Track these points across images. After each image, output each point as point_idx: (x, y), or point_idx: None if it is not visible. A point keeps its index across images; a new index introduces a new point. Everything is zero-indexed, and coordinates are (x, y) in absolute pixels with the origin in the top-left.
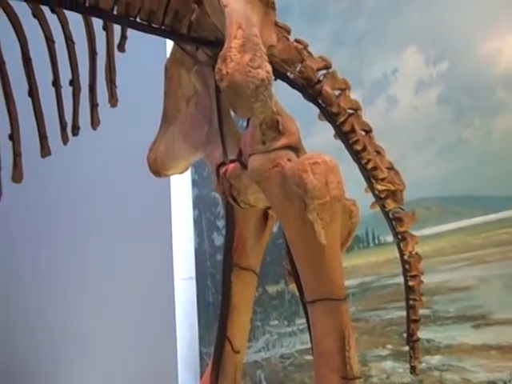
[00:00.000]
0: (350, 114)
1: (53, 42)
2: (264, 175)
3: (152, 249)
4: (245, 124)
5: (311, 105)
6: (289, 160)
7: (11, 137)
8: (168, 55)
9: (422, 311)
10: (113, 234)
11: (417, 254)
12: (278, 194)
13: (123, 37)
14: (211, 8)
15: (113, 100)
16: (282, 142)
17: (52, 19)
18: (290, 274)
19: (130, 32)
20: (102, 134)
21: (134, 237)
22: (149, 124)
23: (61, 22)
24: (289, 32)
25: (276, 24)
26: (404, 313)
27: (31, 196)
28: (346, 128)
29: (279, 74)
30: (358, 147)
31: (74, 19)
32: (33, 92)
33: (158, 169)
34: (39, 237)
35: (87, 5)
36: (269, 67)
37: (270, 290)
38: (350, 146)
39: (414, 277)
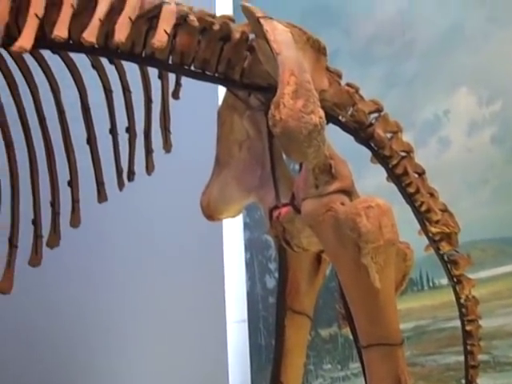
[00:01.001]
0: (403, 157)
1: (110, 91)
2: (317, 219)
3: (204, 291)
4: (296, 167)
5: (362, 147)
6: (342, 204)
7: (70, 183)
8: (220, 101)
9: (480, 357)
10: (166, 277)
11: (473, 297)
12: (331, 238)
13: (178, 84)
14: (263, 55)
15: (167, 146)
16: (335, 185)
17: (110, 70)
18: (343, 317)
19: (183, 79)
20: (156, 178)
21: (186, 279)
22: (202, 169)
23: (118, 72)
24: (340, 76)
25: (327, 69)
26: (461, 358)
27: (87, 239)
28: (399, 171)
29: (331, 117)
30: (411, 190)
31: (131, 69)
32: (91, 139)
33: (211, 213)
34: (94, 277)
35: (144, 55)
36: (321, 112)
37: (322, 334)
38: (403, 189)
39: (471, 321)
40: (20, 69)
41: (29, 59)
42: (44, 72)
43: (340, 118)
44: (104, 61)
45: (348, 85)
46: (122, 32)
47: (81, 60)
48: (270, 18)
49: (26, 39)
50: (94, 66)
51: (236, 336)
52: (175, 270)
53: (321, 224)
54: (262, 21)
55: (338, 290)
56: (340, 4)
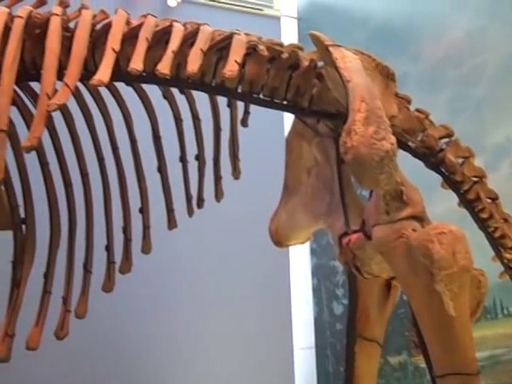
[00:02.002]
0: (475, 182)
1: (181, 120)
2: (389, 246)
3: (271, 317)
4: (363, 193)
5: (429, 173)
6: (414, 230)
7: (141, 210)
8: (286, 128)
9: None
10: (233, 303)
11: None
12: (403, 265)
13: (246, 112)
14: (332, 82)
15: (236, 173)
16: (407, 212)
17: (180, 99)
18: (416, 345)
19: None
20: (225, 205)
21: (253, 305)
22: (269, 195)
23: (188, 101)
24: (409, 102)
25: (396, 95)
26: None
27: (157, 264)
28: (471, 196)
29: (401, 143)
30: (485, 215)
31: (200, 98)
32: (161, 167)
33: (280, 239)
34: (163, 303)
35: (213, 84)
36: (393, 139)
37: (392, 361)
38: (475, 215)
39: None
40: (95, 100)
41: (102, 90)
42: (117, 103)
43: (410, 143)
44: (174, 91)
45: (417, 110)
46: (194, 63)
47: (152, 90)
48: (339, 46)
49: (103, 73)
50: (165, 97)
51: (303, 363)
52: (242, 297)
53: (392, 250)
54: (331, 49)
55: (409, 317)
56: (406, 28)
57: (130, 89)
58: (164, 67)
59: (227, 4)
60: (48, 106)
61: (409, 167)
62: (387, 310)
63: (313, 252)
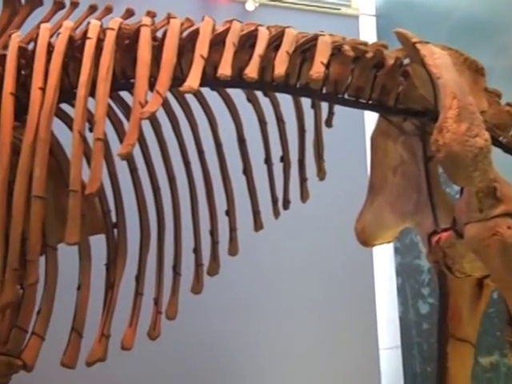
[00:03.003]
0: None
1: (265, 123)
2: (482, 244)
3: (356, 318)
4: (447, 189)
5: None
6: (509, 228)
7: (227, 213)
8: (367, 126)
9: None
10: (317, 303)
11: None
12: (497, 263)
13: (330, 113)
14: (419, 80)
15: (321, 173)
16: (501, 209)
17: (264, 102)
18: (511, 346)
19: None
20: (309, 206)
21: (338, 306)
22: (353, 195)
23: (272, 103)
24: (499, 96)
25: (485, 89)
26: None
27: (243, 266)
28: None
29: (492, 139)
30: None
31: (284, 100)
32: (247, 170)
33: (366, 239)
34: (249, 305)
35: (298, 86)
36: (487, 135)
37: (483, 362)
38: None
39: None
40: (180, 106)
41: (187, 95)
42: (202, 107)
43: (501, 139)
44: (258, 94)
45: (508, 104)
46: (281, 66)
47: (236, 94)
48: (426, 42)
49: (193, 79)
50: (249, 100)
51: (389, 363)
52: (327, 297)
53: (486, 249)
54: (418, 46)
55: (500, 317)
56: (492, 19)
57: (214, 93)
58: (252, 71)
59: (304, 5)
60: (141, 113)
61: (500, 163)
62: (479, 310)
63: (397, 251)
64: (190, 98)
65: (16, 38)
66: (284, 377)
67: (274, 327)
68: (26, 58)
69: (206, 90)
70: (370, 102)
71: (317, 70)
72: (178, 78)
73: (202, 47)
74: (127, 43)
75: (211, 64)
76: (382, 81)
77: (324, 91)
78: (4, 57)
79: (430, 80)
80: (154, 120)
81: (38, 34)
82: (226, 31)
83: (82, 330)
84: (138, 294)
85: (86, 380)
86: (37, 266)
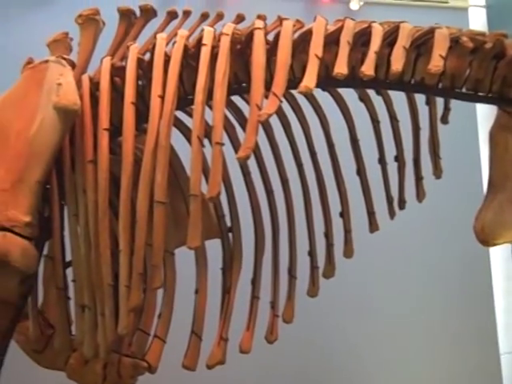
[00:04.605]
0: None
1: (378, 122)
2: None
3: (475, 323)
4: None
5: None
6: None
7: (341, 214)
8: (479, 121)
9: None
10: (433, 307)
11: None
12: None
13: (446, 109)
14: None
15: (437, 171)
16: None
17: (377, 100)
18: None
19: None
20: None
21: (455, 311)
22: (472, 193)
23: (385, 102)
24: None
25: None
26: None
27: (359, 268)
28: None
29: None
30: None
31: (397, 98)
32: (360, 170)
33: (487, 238)
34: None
35: (412, 82)
36: None
37: None
38: None
39: None
40: (292, 107)
41: (298, 97)
42: (313, 108)
43: None
44: (370, 92)
45: None
46: (398, 62)
47: (347, 93)
48: None
49: (309, 79)
50: (361, 99)
51: (510, 367)
52: (444, 302)
53: None
54: None
55: None
56: None
57: (325, 93)
58: (368, 68)
59: (410, 0)
60: (259, 116)
61: None
62: None
63: None
64: (300, 99)
65: (134, 50)
66: (402, 380)
67: (391, 330)
68: (142, 68)
69: (316, 91)
70: (490, 94)
71: (436, 63)
72: (290, 80)
73: (316, 47)
74: (239, 48)
75: (323, 64)
76: (502, 72)
77: (440, 86)
78: (122, 68)
79: None
80: (265, 123)
81: (154, 45)
82: (340, 30)
83: (202, 333)
84: (255, 297)
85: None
86: (161, 270)
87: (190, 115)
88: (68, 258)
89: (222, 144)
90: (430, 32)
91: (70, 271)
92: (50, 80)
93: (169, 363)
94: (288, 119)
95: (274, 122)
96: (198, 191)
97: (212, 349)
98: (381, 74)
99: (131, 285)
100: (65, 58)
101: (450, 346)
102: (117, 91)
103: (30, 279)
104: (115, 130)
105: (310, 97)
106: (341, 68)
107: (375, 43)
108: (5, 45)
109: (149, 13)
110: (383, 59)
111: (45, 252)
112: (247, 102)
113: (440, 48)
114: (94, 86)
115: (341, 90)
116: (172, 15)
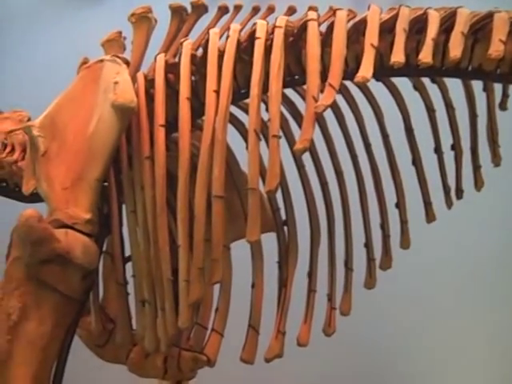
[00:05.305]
0: None
1: (433, 110)
2: None
3: None
4: None
5: None
6: None
7: (397, 205)
8: None
9: None
10: (495, 301)
11: None
12: None
13: (505, 95)
14: None
15: (496, 159)
16: None
17: (432, 88)
18: None
19: None
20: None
21: None
22: None
23: (441, 90)
24: None
25: None
26: None
27: (416, 259)
28: None
29: None
30: None
31: (453, 85)
32: (416, 160)
33: None
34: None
35: (469, 69)
36: None
37: None
38: None
39: None
40: (345, 98)
41: (352, 88)
42: (367, 99)
43: None
44: (425, 80)
45: None
46: (456, 48)
47: (400, 82)
48: None
49: (366, 69)
50: (415, 88)
51: None
52: (504, 295)
53: None
54: None
55: None
56: None
57: (378, 83)
58: (426, 56)
59: None
60: (316, 108)
61: None
62: None
63: None
64: (353, 89)
65: (188, 46)
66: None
67: (452, 325)
68: (195, 63)
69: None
70: None
71: (496, 48)
72: (344, 71)
73: (371, 36)
74: (292, 40)
75: (377, 53)
76: None
77: (498, 72)
78: (175, 65)
79: None
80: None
81: (207, 40)
82: (395, 17)
83: (259, 327)
84: (311, 290)
85: (263, 376)
86: (220, 264)
87: (243, 109)
88: (127, 253)
89: (279, 137)
90: (489, 16)
91: (128, 266)
92: (106, 79)
93: (226, 357)
94: (341, 110)
95: (327, 113)
96: (256, 185)
97: (270, 342)
98: (437, 61)
99: (191, 279)
100: (119, 57)
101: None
102: (171, 88)
103: (91, 275)
104: (169, 126)
105: (363, 87)
106: (398, 56)
107: (432, 30)
108: (60, 45)
109: (200, 9)
110: (439, 46)
111: (104, 248)
112: (300, 94)
113: (500, 32)
114: (149, 83)
115: (394, 79)
116: (223, 10)
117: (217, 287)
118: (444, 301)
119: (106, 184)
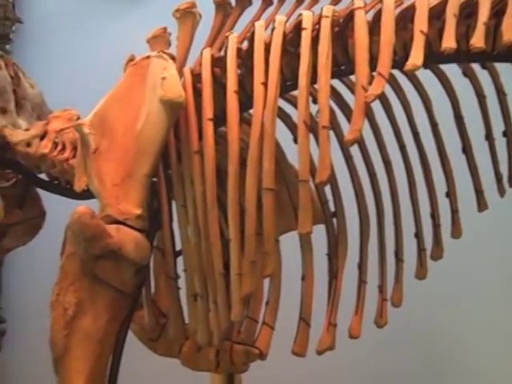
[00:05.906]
0: None
1: (483, 96)
2: None
3: None
4: None
5: None
6: None
7: (447, 194)
8: None
9: None
10: None
11: None
12: None
13: None
14: None
15: None
16: None
17: (482, 74)
18: None
19: None
20: None
21: None
22: None
23: (492, 75)
24: None
25: None
26: None
27: (467, 248)
28: None
29: None
30: None
31: (504, 71)
32: (466, 148)
33: None
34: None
35: None
36: None
37: None
38: None
39: None
40: (392, 87)
41: (399, 76)
42: (414, 87)
43: None
44: (475, 66)
45: None
46: (510, 31)
47: (449, 69)
48: None
49: (417, 57)
50: (465, 74)
51: None
52: None
53: None
54: None
55: None
56: None
57: (426, 70)
58: (479, 40)
59: None
60: (366, 97)
61: None
62: None
63: None
64: (401, 78)
65: (233, 39)
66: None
67: (505, 317)
68: (241, 57)
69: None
70: None
71: None
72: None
73: (421, 23)
74: (338, 30)
75: (427, 40)
76: None
77: None
78: (221, 59)
79: None
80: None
81: (253, 33)
82: (444, 3)
83: (310, 319)
84: (362, 281)
85: (314, 368)
86: (272, 257)
87: (290, 102)
88: (177, 248)
89: (329, 128)
90: None
91: (178, 261)
92: (153, 74)
93: (277, 350)
94: (389, 100)
95: (374, 103)
96: (307, 177)
97: (321, 335)
98: (488, 45)
99: (243, 273)
100: (165, 53)
101: None
102: (217, 82)
103: (143, 270)
104: (217, 120)
105: (410, 75)
106: (449, 42)
107: (483, 14)
108: (106, 45)
109: (244, 2)
110: (490, 30)
111: (154, 243)
112: (346, 85)
113: None
114: (195, 77)
115: (442, 66)
116: (267, 2)
117: (266, 280)
118: (501, 295)
119: (155, 179)
